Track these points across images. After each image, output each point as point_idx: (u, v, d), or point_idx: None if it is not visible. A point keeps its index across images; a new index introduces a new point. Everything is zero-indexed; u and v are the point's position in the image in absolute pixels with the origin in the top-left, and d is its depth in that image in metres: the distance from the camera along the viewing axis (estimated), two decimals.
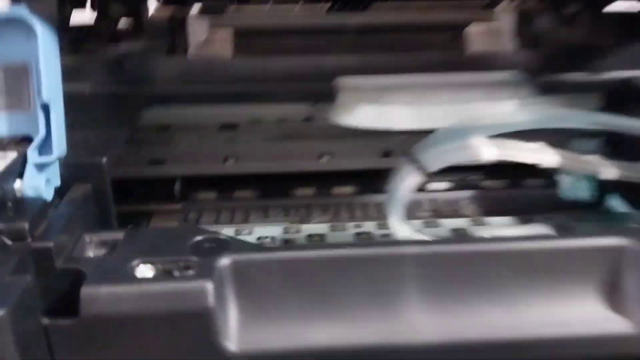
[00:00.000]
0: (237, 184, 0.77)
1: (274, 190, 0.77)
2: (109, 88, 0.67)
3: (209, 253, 0.42)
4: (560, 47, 0.84)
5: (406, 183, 0.52)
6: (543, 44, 0.87)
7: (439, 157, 0.52)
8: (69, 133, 0.52)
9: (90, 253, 0.44)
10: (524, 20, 0.91)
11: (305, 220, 0.73)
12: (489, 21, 0.90)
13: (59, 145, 0.47)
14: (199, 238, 0.44)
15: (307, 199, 0.77)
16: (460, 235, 0.52)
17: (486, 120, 0.55)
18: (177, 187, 0.76)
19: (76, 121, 0.58)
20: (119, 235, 0.45)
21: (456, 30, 0.90)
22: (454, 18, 0.90)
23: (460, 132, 0.53)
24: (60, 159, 0.48)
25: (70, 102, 0.64)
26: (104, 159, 0.49)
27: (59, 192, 0.48)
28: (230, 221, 0.73)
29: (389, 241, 0.43)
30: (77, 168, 0.48)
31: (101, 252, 0.45)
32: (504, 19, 0.91)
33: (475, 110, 0.69)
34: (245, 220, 0.73)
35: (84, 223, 0.47)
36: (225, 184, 0.77)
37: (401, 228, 0.53)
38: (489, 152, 0.50)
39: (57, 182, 0.48)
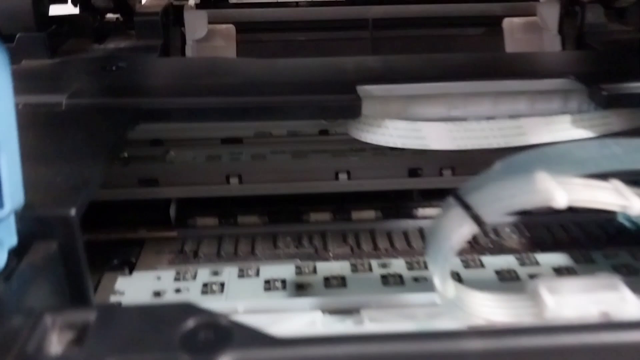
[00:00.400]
0: (242, 208, 0.67)
1: (283, 214, 0.67)
2: (91, 100, 0.57)
3: (204, 348, 0.32)
4: (612, 47, 0.73)
5: (456, 236, 0.41)
6: (590, 42, 0.76)
7: (497, 203, 0.41)
8: (33, 169, 0.42)
9: (53, 342, 0.34)
10: (568, 14, 0.80)
11: (321, 252, 0.63)
12: (528, 15, 0.79)
13: (14, 195, 0.36)
14: (192, 323, 0.34)
15: (322, 225, 0.67)
16: (530, 322, 0.41)
17: (552, 152, 0.44)
18: (173, 211, 0.66)
19: (46, 150, 0.48)
20: (90, 315, 0.35)
21: (493, 25, 0.79)
22: (490, 10, 0.78)
23: (521, 169, 0.43)
24: (16, 212, 0.37)
25: (42, 122, 0.54)
26: (73, 211, 0.38)
27: (17, 252, 0.38)
28: (234, 251, 0.63)
29: (442, 333, 0.33)
30: (38, 222, 0.38)
31: (68, 337, 0.35)
32: (546, 13, 0.80)
33: (524, 128, 0.59)
34: (251, 251, 0.63)
35: (46, 296, 0.37)
36: (227, 208, 0.67)
37: (447, 290, 0.43)
38: (562, 198, 0.40)
39: (13, 241, 0.37)
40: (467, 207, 0.42)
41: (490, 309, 0.46)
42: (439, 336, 0.33)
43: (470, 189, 0.43)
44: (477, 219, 0.41)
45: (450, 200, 0.43)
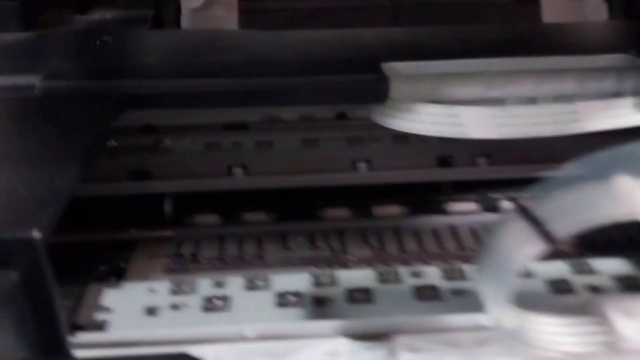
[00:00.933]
0: (247, 203, 0.59)
1: (295, 211, 0.59)
2: (70, 82, 0.48)
3: None
4: None
5: (520, 257, 0.33)
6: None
7: (572, 216, 0.33)
8: None
9: None
10: None
11: (339, 255, 0.55)
12: None
13: None
14: None
15: (339, 223, 0.58)
16: None
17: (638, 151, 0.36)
18: (168, 207, 0.58)
19: (10, 149, 0.39)
20: None
21: None
22: None
23: (600, 172, 0.34)
24: None
25: (9, 111, 0.45)
26: (37, 232, 0.29)
27: None
28: (238, 254, 0.55)
29: None
30: None
31: None
32: None
33: (580, 113, 0.50)
34: (259, 254, 0.55)
35: (6, 341, 0.29)
36: (230, 203, 0.59)
37: (507, 320, 0.35)
38: None
39: None
40: (534, 221, 0.33)
41: (553, 336, 0.38)
42: None
43: (537, 198, 0.34)
44: (547, 236, 0.33)
45: (513, 211, 0.34)
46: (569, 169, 0.35)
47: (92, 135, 0.40)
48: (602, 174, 0.34)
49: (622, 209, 0.33)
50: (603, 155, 0.35)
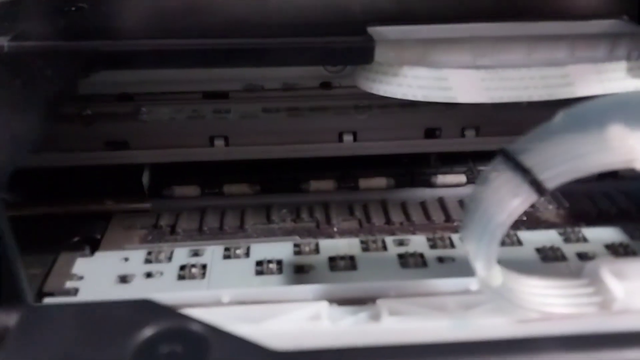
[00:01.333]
0: (228, 175, 0.57)
1: (278, 183, 0.57)
2: (38, 43, 0.46)
3: None
4: None
5: (509, 208, 0.31)
6: None
7: (563, 165, 0.31)
8: None
9: None
10: None
11: (323, 227, 0.53)
12: None
13: None
14: (151, 330, 0.24)
15: (324, 195, 0.57)
16: None
17: (629, 100, 0.34)
18: (146, 179, 0.56)
19: None
20: (9, 317, 0.25)
21: None
22: None
23: (590, 121, 0.32)
24: None
25: None
26: None
27: None
28: (219, 228, 0.53)
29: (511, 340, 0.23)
30: None
31: None
32: None
33: (571, 77, 0.49)
34: (240, 227, 0.53)
35: None
36: (211, 175, 0.57)
37: (493, 277, 0.33)
38: None
39: None
40: (523, 170, 0.31)
41: (543, 298, 0.36)
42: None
43: (526, 147, 0.33)
44: (537, 186, 0.31)
45: (500, 161, 0.33)
46: (559, 117, 0.33)
47: (56, 91, 0.38)
48: (594, 122, 0.33)
49: (615, 157, 0.31)
50: (595, 103, 0.34)
